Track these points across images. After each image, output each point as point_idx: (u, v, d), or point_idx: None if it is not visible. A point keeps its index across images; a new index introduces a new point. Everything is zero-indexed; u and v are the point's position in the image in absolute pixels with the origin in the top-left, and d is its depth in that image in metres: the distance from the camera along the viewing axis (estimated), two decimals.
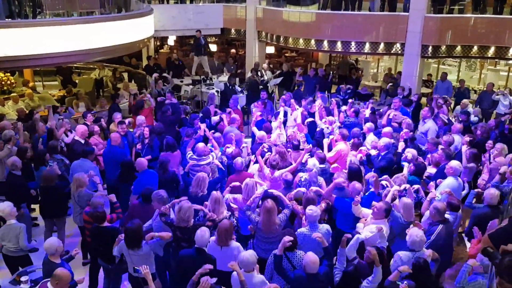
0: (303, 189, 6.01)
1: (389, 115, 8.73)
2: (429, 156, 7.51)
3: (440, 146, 7.49)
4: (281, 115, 9.02)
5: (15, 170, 6.56)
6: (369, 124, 8.20)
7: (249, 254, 4.42)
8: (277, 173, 6.53)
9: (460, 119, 9.10)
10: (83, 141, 7.87)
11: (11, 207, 5.52)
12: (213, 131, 8.14)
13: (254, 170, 6.96)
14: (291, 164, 7.09)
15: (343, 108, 9.49)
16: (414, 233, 4.73)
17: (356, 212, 5.57)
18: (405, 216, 5.36)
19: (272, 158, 6.62)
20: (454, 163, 6.38)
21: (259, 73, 12.43)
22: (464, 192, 6.60)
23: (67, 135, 8.19)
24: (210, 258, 4.62)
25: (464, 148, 7.52)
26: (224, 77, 13.75)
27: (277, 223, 5.21)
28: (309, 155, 7.14)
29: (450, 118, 9.70)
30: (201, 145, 7.10)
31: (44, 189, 6.43)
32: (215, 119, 9.16)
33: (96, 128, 8.36)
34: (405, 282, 4.26)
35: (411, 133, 8.06)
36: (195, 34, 13.91)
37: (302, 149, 7.71)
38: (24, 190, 6.67)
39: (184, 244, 4.99)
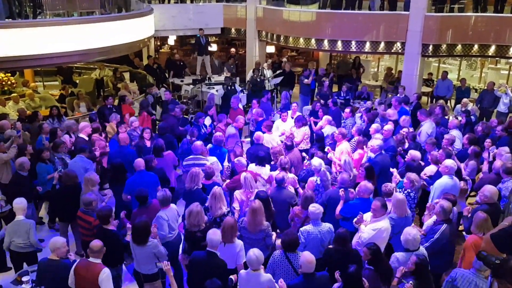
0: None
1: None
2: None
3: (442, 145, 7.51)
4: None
5: (21, 171, 6.56)
6: (375, 125, 8.22)
7: (257, 253, 4.38)
8: (290, 176, 6.49)
9: (460, 118, 9.10)
10: (86, 138, 7.91)
11: (25, 203, 5.57)
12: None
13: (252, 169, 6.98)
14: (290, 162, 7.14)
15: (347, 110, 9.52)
16: (408, 231, 4.76)
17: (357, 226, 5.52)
18: (397, 212, 5.36)
19: (284, 161, 6.47)
20: (449, 162, 6.37)
21: (260, 72, 12.44)
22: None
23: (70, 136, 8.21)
24: (221, 262, 4.59)
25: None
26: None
27: (263, 225, 5.18)
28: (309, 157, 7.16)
29: (451, 117, 9.71)
30: (198, 143, 7.11)
31: (64, 189, 6.35)
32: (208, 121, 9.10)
33: (98, 125, 8.43)
34: (410, 282, 4.26)
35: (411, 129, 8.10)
36: (198, 32, 13.92)
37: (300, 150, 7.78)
38: (29, 191, 6.64)
39: (204, 244, 4.89)
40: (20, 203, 5.54)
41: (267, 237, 5.24)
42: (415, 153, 6.93)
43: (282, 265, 4.69)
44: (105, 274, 4.46)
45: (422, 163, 7.15)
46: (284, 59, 13.73)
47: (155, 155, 7.08)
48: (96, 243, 4.58)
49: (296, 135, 8.41)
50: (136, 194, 5.71)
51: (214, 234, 4.60)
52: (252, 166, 6.99)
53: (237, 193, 6.06)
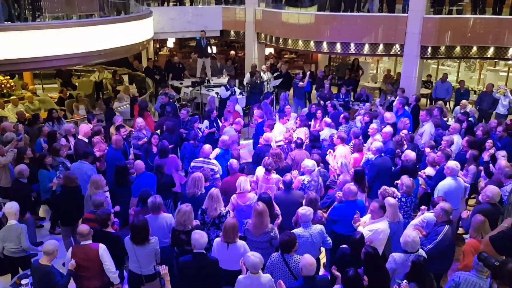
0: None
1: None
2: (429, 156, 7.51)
3: (440, 147, 7.51)
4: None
5: (21, 178, 6.53)
6: (374, 125, 8.23)
7: (258, 257, 4.33)
8: (274, 177, 6.47)
9: (460, 120, 9.10)
10: (86, 140, 7.90)
11: (16, 207, 5.54)
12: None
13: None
14: (289, 164, 7.10)
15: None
16: (407, 233, 4.76)
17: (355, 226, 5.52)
18: (389, 217, 5.35)
19: (267, 162, 6.48)
20: (451, 163, 6.35)
21: (258, 74, 12.45)
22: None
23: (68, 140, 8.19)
24: (211, 260, 4.57)
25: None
26: (224, 79, 13.76)
27: (268, 227, 5.11)
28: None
29: (450, 119, 9.72)
30: (207, 146, 7.07)
31: (66, 192, 6.32)
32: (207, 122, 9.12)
33: (100, 128, 8.42)
34: (405, 281, 4.25)
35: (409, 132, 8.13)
36: (200, 34, 13.93)
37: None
38: (29, 199, 6.62)
39: (188, 248, 4.90)
40: (11, 207, 5.52)
41: (273, 239, 5.13)
42: (409, 154, 6.88)
43: (279, 266, 4.66)
44: (103, 248, 4.83)
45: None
46: (280, 63, 13.76)
47: (160, 156, 7.03)
48: (84, 227, 4.88)
49: (297, 135, 8.39)
50: (141, 194, 5.71)
51: (200, 235, 4.57)
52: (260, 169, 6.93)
53: (233, 197, 5.97)
